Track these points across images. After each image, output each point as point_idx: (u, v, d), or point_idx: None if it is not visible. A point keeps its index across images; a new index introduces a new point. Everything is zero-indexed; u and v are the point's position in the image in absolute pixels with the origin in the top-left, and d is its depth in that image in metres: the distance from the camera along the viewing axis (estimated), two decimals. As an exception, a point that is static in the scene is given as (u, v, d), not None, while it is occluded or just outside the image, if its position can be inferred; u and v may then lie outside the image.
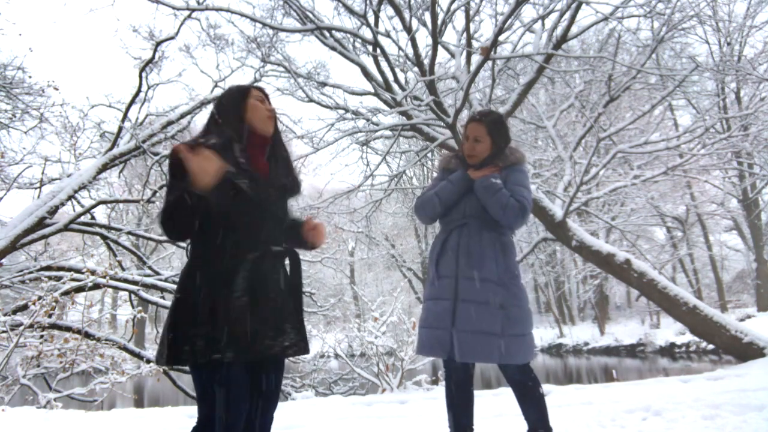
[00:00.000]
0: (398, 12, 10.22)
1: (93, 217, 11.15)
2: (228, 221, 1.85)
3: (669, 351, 19.59)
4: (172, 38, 11.14)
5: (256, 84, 1.97)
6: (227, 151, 1.87)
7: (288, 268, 2.00)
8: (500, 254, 2.58)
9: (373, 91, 11.35)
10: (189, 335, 1.75)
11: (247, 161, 1.91)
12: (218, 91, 12.18)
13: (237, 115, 1.99)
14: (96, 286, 8.42)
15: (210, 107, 2.10)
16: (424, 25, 11.01)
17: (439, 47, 10.30)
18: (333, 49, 11.17)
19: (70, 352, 7.74)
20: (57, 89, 10.56)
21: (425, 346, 2.61)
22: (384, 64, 11.11)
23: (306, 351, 1.91)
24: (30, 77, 10.68)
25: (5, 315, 7.49)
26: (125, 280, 9.37)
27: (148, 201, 10.70)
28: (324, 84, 11.96)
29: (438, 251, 2.67)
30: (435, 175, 2.97)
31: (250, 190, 1.86)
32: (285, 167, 2.05)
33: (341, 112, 11.85)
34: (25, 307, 8.24)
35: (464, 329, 2.48)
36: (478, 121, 2.77)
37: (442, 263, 2.62)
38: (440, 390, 7.62)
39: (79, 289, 8.17)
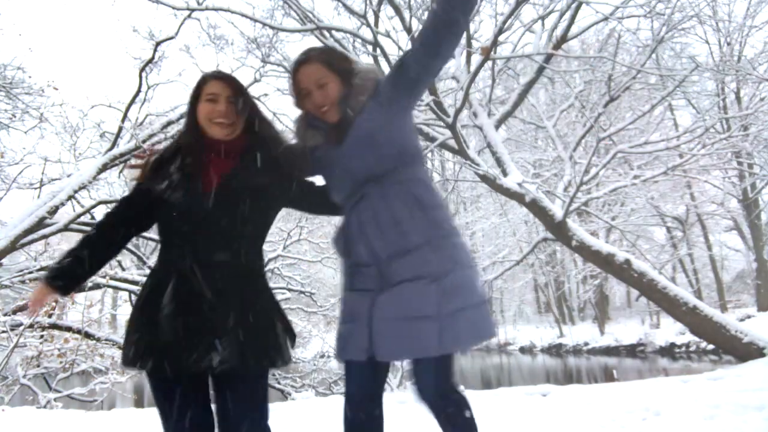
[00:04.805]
0: (398, 12, 10.22)
1: (93, 217, 11.14)
2: (167, 235, 1.87)
3: (669, 351, 19.60)
4: (172, 38, 11.14)
5: (221, 75, 1.96)
6: (167, 164, 1.88)
7: (245, 280, 1.85)
8: (417, 209, 1.89)
9: (373, 91, 11.35)
10: (128, 341, 1.81)
11: (187, 172, 1.84)
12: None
13: (190, 118, 1.92)
14: (96, 286, 8.43)
15: None
16: (424, 25, 11.01)
17: (439, 47, 10.29)
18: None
19: (70, 352, 7.75)
20: (57, 89, 10.58)
21: (339, 346, 1.96)
22: (384, 64, 11.11)
23: (245, 369, 1.75)
24: (30, 77, 10.70)
25: (5, 315, 7.50)
26: (125, 280, 9.38)
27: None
28: (324, 84, 11.96)
29: (342, 242, 2.00)
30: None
31: (183, 203, 1.81)
32: (256, 167, 1.87)
33: (341, 112, 11.84)
34: (25, 307, 8.25)
35: (385, 316, 1.83)
36: (307, 62, 2.01)
37: (355, 253, 1.94)
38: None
39: (79, 289, 8.17)
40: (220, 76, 1.93)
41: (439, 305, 1.81)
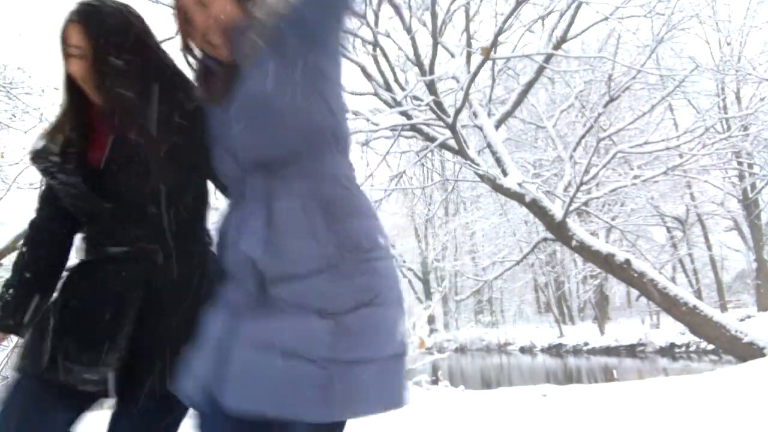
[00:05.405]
0: (398, 12, 10.22)
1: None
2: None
3: (669, 351, 19.60)
4: (171, 38, 11.15)
5: (81, 19, 1.36)
6: (48, 138, 1.40)
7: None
8: (320, 218, 1.19)
9: (373, 91, 11.35)
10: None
11: (64, 149, 1.37)
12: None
13: (64, 77, 1.42)
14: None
15: None
16: (424, 25, 11.01)
17: (439, 47, 10.32)
18: (333, 49, 11.16)
19: (70, 352, 7.74)
20: (57, 89, 10.57)
21: (179, 381, 1.26)
22: (384, 64, 11.12)
23: (127, 399, 1.36)
24: (30, 77, 10.72)
25: (5, 315, 7.50)
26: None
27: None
28: (324, 84, 11.94)
29: (219, 250, 1.33)
30: None
31: (64, 187, 1.38)
32: (154, 127, 1.36)
33: (341, 112, 11.82)
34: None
35: (248, 341, 1.15)
36: None
37: (227, 262, 1.27)
38: (440, 390, 7.62)
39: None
40: (78, 20, 1.36)
41: (333, 349, 1.13)
